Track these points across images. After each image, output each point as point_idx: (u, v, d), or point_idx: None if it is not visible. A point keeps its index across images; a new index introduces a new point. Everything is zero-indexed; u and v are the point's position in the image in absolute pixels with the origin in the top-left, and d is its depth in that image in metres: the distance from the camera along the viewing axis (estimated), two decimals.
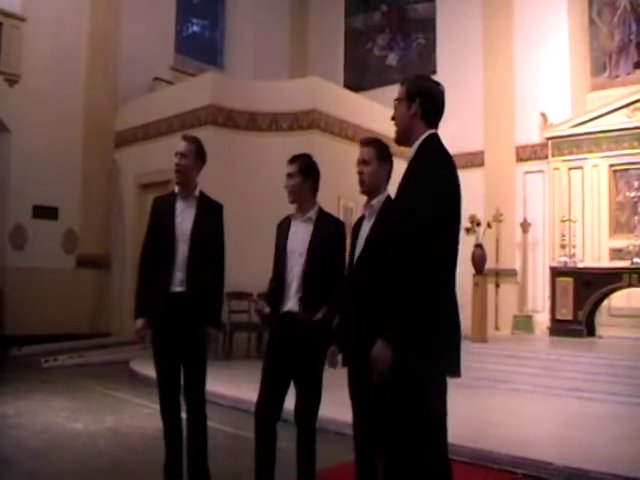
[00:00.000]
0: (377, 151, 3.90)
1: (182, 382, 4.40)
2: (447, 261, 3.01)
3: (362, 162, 3.90)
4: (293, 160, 4.31)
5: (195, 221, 4.42)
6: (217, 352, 10.56)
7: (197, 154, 4.56)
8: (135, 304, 4.49)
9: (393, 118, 3.26)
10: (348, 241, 4.12)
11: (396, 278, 2.91)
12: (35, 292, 12.33)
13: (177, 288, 4.33)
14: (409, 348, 2.87)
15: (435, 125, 3.19)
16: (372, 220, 3.84)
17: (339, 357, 3.97)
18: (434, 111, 3.19)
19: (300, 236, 4.24)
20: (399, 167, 3.52)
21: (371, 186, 3.89)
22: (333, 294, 4.07)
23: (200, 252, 4.39)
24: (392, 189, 3.89)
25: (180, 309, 4.29)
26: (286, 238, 4.30)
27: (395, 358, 2.88)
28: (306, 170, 4.30)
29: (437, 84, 3.25)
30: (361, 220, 3.97)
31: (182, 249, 4.36)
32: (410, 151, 3.16)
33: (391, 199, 3.81)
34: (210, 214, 4.53)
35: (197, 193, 4.54)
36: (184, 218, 4.42)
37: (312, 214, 4.28)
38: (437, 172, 3.00)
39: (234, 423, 6.30)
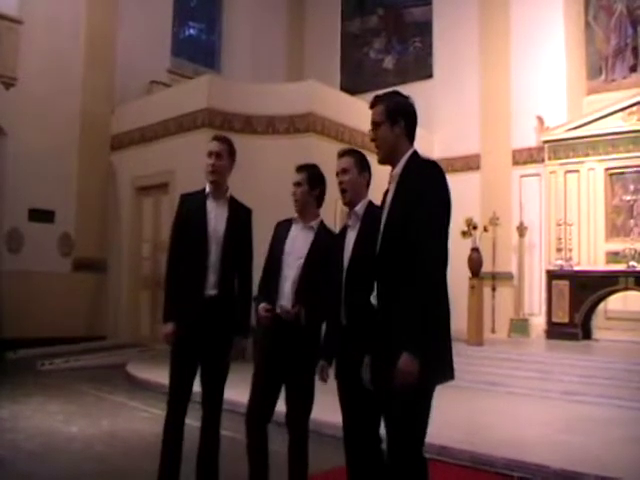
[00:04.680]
0: (356, 160, 3.89)
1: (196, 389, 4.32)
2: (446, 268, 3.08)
3: (342, 171, 3.88)
4: (300, 169, 4.32)
5: (228, 223, 4.34)
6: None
7: (230, 153, 4.47)
8: (165, 306, 4.33)
9: (373, 140, 3.28)
10: None
11: (405, 288, 2.93)
12: (31, 295, 12.31)
13: (210, 291, 4.23)
14: (424, 356, 2.89)
15: (414, 139, 3.28)
16: (357, 227, 3.81)
17: (330, 370, 3.96)
18: (415, 127, 3.28)
19: (300, 241, 4.22)
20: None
21: (353, 195, 3.86)
22: (317, 299, 4.07)
23: (232, 255, 4.32)
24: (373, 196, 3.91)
25: (212, 314, 4.20)
26: (284, 241, 4.26)
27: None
28: (312, 179, 4.29)
29: (407, 98, 3.32)
30: (345, 229, 3.93)
31: (215, 251, 4.27)
32: (397, 169, 3.20)
33: (373, 205, 3.81)
34: (241, 217, 4.46)
35: (228, 195, 4.47)
36: (217, 219, 4.33)
37: (314, 224, 4.27)
38: (439, 183, 3.06)
39: (230, 426, 6.28)
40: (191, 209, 4.38)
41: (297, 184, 4.26)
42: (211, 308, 4.22)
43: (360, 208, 3.85)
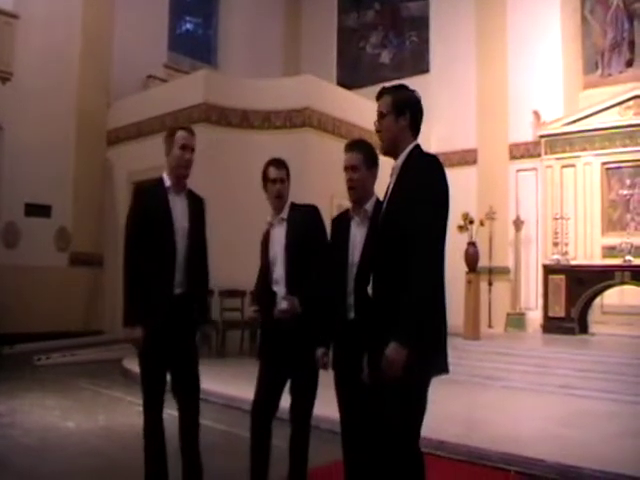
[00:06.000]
0: (365, 156, 3.83)
1: (170, 383, 4.22)
2: (442, 261, 3.10)
3: (351, 168, 3.82)
4: (281, 165, 4.31)
5: (191, 217, 4.22)
6: (210, 350, 10.58)
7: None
8: (128, 308, 4.07)
9: (378, 131, 3.30)
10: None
11: (401, 281, 2.95)
12: (28, 290, 12.30)
13: (177, 290, 4.09)
14: (417, 349, 2.92)
15: (419, 133, 3.29)
16: (365, 225, 3.80)
17: (329, 358, 3.96)
18: (420, 121, 3.30)
19: (278, 239, 4.26)
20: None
21: (361, 192, 3.84)
22: (307, 283, 4.10)
23: (198, 250, 4.25)
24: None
25: (180, 312, 4.09)
26: (267, 248, 4.32)
27: (407, 360, 2.92)
28: (289, 174, 4.35)
29: (414, 92, 3.34)
30: (347, 220, 3.91)
31: (181, 247, 4.11)
32: (398, 161, 3.22)
33: (380, 202, 3.72)
34: (199, 209, 4.35)
35: (187, 187, 4.33)
36: (179, 213, 4.17)
37: (284, 213, 4.29)
38: (438, 178, 3.08)
39: (227, 421, 6.30)
40: (153, 204, 4.17)
41: (282, 180, 4.27)
42: (178, 306, 4.10)
43: (369, 206, 3.83)
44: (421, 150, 3.21)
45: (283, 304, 4.12)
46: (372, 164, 3.87)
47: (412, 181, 3.07)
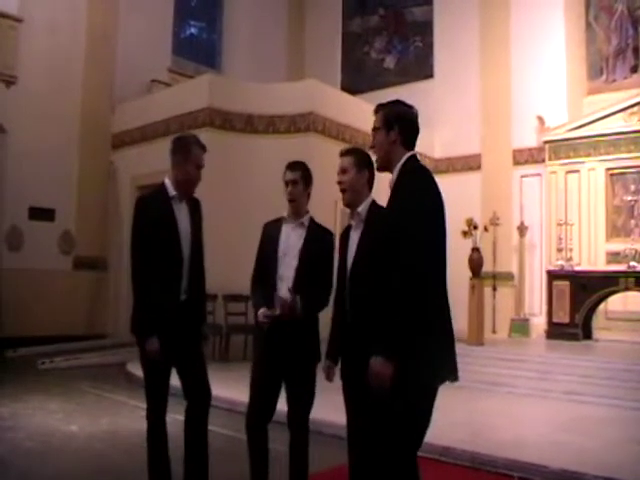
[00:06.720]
0: (355, 159, 3.85)
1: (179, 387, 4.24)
2: (437, 269, 3.08)
3: (341, 171, 3.86)
4: (296, 167, 4.26)
5: (192, 223, 4.25)
6: (214, 354, 10.60)
7: None
8: (143, 319, 4.10)
9: (372, 147, 3.37)
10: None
11: (387, 291, 2.97)
12: (31, 294, 12.30)
13: (183, 296, 4.15)
14: (407, 359, 2.91)
15: (413, 147, 3.31)
16: (360, 228, 3.79)
17: (336, 369, 3.95)
18: (412, 135, 3.31)
19: (293, 240, 4.19)
20: (383, 177, 3.53)
21: (352, 195, 3.83)
22: (316, 295, 4.09)
23: (198, 255, 4.27)
24: (377, 198, 3.90)
25: (186, 317, 4.14)
26: (277, 241, 4.22)
27: (395, 371, 2.92)
28: (307, 177, 4.28)
29: (410, 107, 3.38)
30: (349, 229, 3.92)
31: (186, 255, 4.16)
32: (392, 175, 3.26)
33: (376, 205, 3.80)
34: (198, 213, 4.36)
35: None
36: (183, 221, 4.21)
37: (305, 220, 4.25)
38: (423, 191, 3.09)
39: (230, 425, 6.29)
40: (159, 215, 4.17)
41: (293, 182, 4.20)
42: (183, 313, 4.13)
43: (363, 209, 3.81)
44: (414, 161, 3.25)
45: (281, 298, 4.01)
46: (363, 166, 3.85)
47: (399, 193, 3.12)
